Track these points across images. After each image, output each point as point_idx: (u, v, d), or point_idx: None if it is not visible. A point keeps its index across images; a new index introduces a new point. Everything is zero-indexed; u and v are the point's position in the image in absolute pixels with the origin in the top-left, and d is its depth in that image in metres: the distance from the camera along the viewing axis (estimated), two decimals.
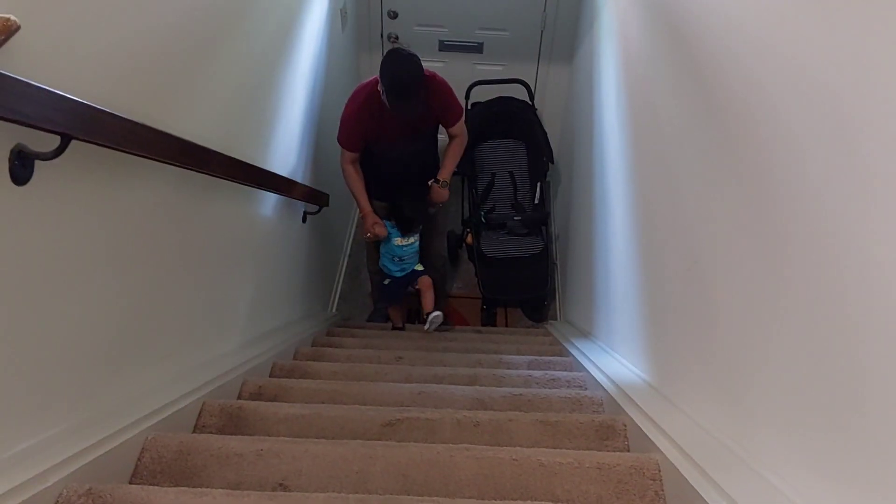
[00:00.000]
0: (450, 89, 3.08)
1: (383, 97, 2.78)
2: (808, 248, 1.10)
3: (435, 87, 2.97)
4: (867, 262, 0.93)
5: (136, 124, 1.39)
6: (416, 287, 3.54)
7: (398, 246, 3.36)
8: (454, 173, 3.41)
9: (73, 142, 1.20)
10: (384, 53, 2.94)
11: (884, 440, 0.89)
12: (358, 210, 3.43)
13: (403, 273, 3.47)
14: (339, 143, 3.10)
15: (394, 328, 3.80)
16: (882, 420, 0.90)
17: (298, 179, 3.09)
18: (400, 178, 3.29)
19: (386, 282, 3.49)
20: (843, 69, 1.01)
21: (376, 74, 2.81)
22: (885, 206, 0.88)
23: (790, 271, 1.16)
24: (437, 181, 3.25)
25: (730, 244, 1.44)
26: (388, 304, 3.59)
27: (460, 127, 3.21)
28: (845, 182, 0.99)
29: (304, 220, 3.31)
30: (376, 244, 3.53)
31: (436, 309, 3.48)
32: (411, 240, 3.40)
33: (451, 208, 4.42)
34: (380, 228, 3.22)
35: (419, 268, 3.52)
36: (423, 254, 3.63)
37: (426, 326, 3.44)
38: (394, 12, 4.71)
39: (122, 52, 1.42)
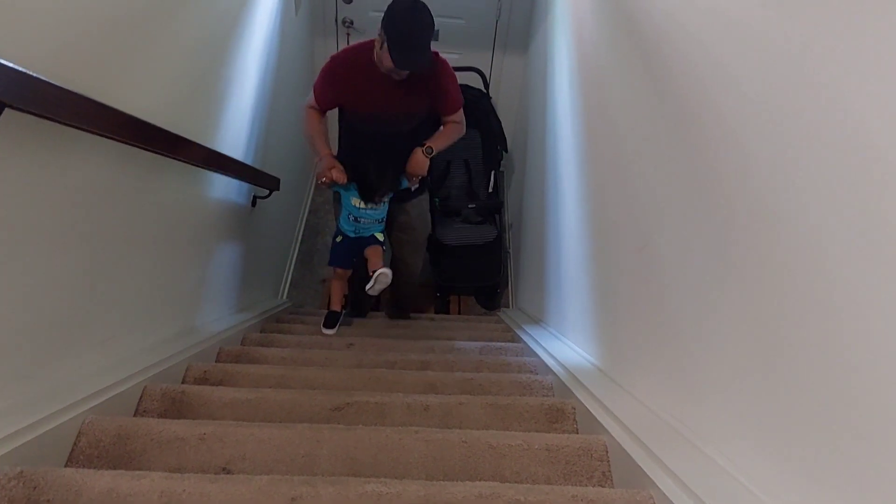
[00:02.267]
0: (454, 74, 2.77)
1: (381, 52, 2.46)
2: (752, 233, 1.11)
3: (438, 67, 2.68)
4: (805, 248, 0.95)
5: (77, 95, 1.34)
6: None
7: (356, 207, 2.89)
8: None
9: (8, 110, 1.14)
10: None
11: (819, 419, 0.91)
12: (315, 169, 3.05)
13: (357, 235, 2.97)
14: (313, 92, 2.78)
15: (328, 315, 3.11)
16: (817, 400, 0.92)
17: (249, 162, 3.02)
18: (375, 157, 2.82)
19: (338, 239, 3.01)
20: (787, 67, 1.02)
21: (332, 51, 2.61)
22: (819, 195, 0.90)
23: (735, 255, 1.18)
24: (422, 147, 2.80)
25: (678, 228, 1.46)
26: (336, 265, 3.06)
27: (460, 115, 2.87)
28: (784, 164, 1.00)
29: (253, 205, 3.24)
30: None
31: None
32: (373, 205, 2.92)
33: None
34: (338, 173, 2.73)
35: (379, 236, 2.98)
36: (394, 263, 3.27)
37: (368, 285, 2.80)
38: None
39: (65, 19, 1.36)
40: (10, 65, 1.13)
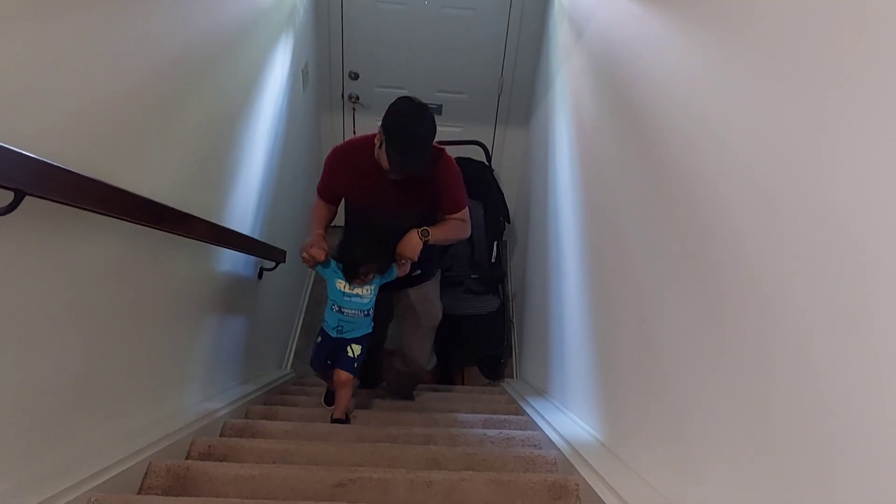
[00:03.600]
0: (458, 172, 2.64)
1: (380, 151, 2.36)
2: (743, 315, 1.15)
3: (443, 165, 2.55)
4: (793, 330, 0.98)
5: (90, 180, 1.40)
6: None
7: (340, 291, 2.62)
8: (433, 256, 2.85)
9: (27, 198, 1.20)
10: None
11: (811, 496, 0.93)
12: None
13: (339, 335, 2.68)
14: (318, 191, 2.75)
15: (327, 393, 3.07)
16: (808, 479, 0.93)
17: (255, 236, 3.09)
18: (365, 232, 2.66)
19: (318, 339, 2.76)
20: (769, 148, 1.08)
21: (349, 137, 2.57)
22: (808, 268, 0.94)
23: (728, 335, 1.21)
24: (418, 230, 2.59)
25: (674, 306, 1.49)
26: (314, 367, 2.82)
27: (464, 215, 2.70)
28: (774, 249, 1.05)
29: (259, 277, 3.29)
30: None
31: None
32: (359, 291, 2.63)
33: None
34: (317, 250, 2.52)
35: (351, 351, 2.69)
36: (397, 353, 3.05)
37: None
38: (355, 73, 4.80)
39: (80, 108, 1.43)
40: (31, 155, 1.19)
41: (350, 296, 2.63)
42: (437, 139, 2.41)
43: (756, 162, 1.14)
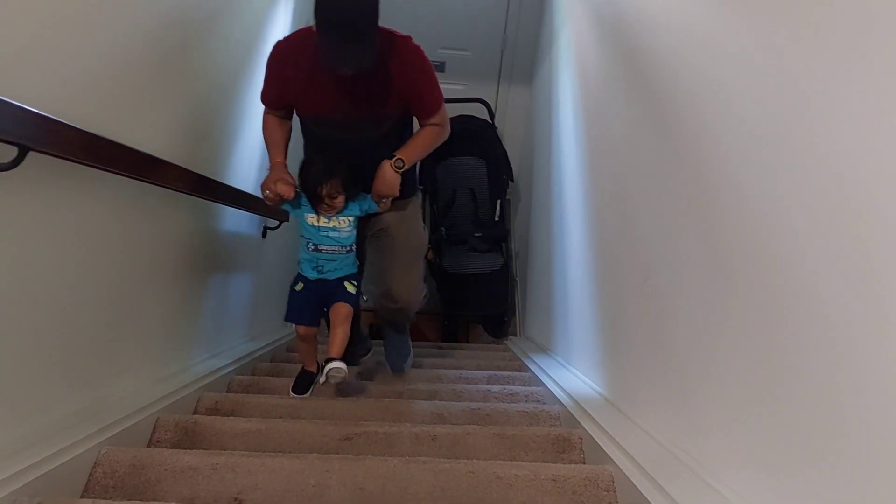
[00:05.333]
0: (428, 65, 2.12)
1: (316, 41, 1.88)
2: (750, 265, 1.15)
3: (405, 55, 2.05)
4: (803, 275, 0.98)
5: (93, 136, 1.39)
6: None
7: (313, 227, 2.22)
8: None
9: (30, 153, 1.19)
10: None
11: (819, 450, 0.94)
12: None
13: (320, 276, 2.27)
14: (260, 98, 2.25)
15: (299, 375, 2.42)
16: (817, 433, 0.94)
17: (259, 194, 3.08)
18: (326, 154, 2.20)
19: (297, 287, 2.32)
20: (774, 102, 1.07)
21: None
22: (814, 222, 0.94)
23: (735, 286, 1.21)
24: (391, 159, 2.16)
25: (680, 260, 1.49)
26: (294, 320, 2.37)
27: (441, 117, 2.22)
28: (780, 203, 1.04)
29: (263, 236, 3.29)
30: None
31: (347, 355, 2.23)
32: (335, 223, 2.23)
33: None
34: (284, 185, 2.12)
35: (350, 286, 2.29)
36: (387, 280, 2.46)
37: (321, 379, 2.14)
38: None
39: (83, 64, 1.42)
40: (34, 110, 1.19)
41: (326, 230, 2.23)
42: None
43: (760, 115, 1.12)
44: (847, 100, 0.89)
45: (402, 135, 2.25)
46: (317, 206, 2.19)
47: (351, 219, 2.26)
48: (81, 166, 1.40)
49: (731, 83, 1.27)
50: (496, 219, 4.57)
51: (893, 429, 0.79)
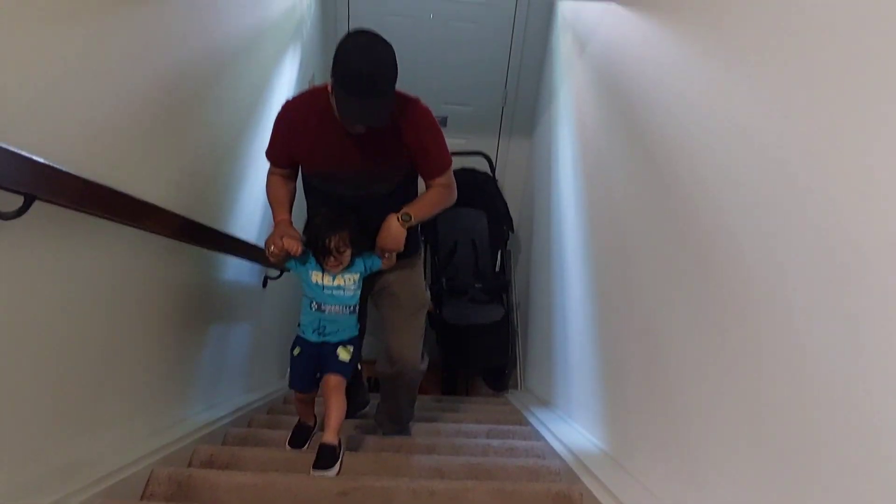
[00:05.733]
0: (437, 126, 2.15)
1: (331, 97, 1.92)
2: (747, 318, 1.15)
3: (416, 117, 2.08)
4: (799, 337, 0.98)
5: (98, 185, 1.41)
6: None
7: (316, 285, 2.15)
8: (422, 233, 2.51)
9: (37, 202, 1.21)
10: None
11: None
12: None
13: (321, 339, 2.18)
14: (266, 155, 2.23)
15: (296, 429, 2.39)
16: (820, 493, 0.93)
17: (261, 244, 3.09)
18: (331, 209, 2.17)
19: (295, 351, 2.24)
20: (767, 158, 1.09)
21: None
22: (806, 276, 0.94)
23: (733, 341, 1.21)
24: (397, 215, 2.12)
25: (679, 313, 1.49)
26: (294, 387, 2.30)
27: (448, 178, 2.21)
28: (774, 253, 1.05)
29: (264, 285, 3.29)
30: None
31: (331, 440, 2.05)
32: (340, 282, 2.16)
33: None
34: (291, 241, 2.05)
35: (345, 353, 2.18)
36: (391, 342, 2.37)
37: (313, 469, 1.97)
38: None
39: (89, 116, 1.44)
40: (40, 160, 1.21)
41: (331, 289, 2.16)
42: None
43: (757, 172, 1.14)
44: (841, 159, 0.91)
45: (407, 194, 2.23)
46: (324, 260, 2.11)
47: (356, 277, 2.18)
48: (85, 215, 1.41)
49: (724, 138, 1.29)
50: (497, 270, 4.58)
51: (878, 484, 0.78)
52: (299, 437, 2.36)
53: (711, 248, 1.32)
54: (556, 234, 3.29)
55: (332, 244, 2.06)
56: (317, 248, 2.10)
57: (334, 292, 2.15)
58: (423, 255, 2.55)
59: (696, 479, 1.36)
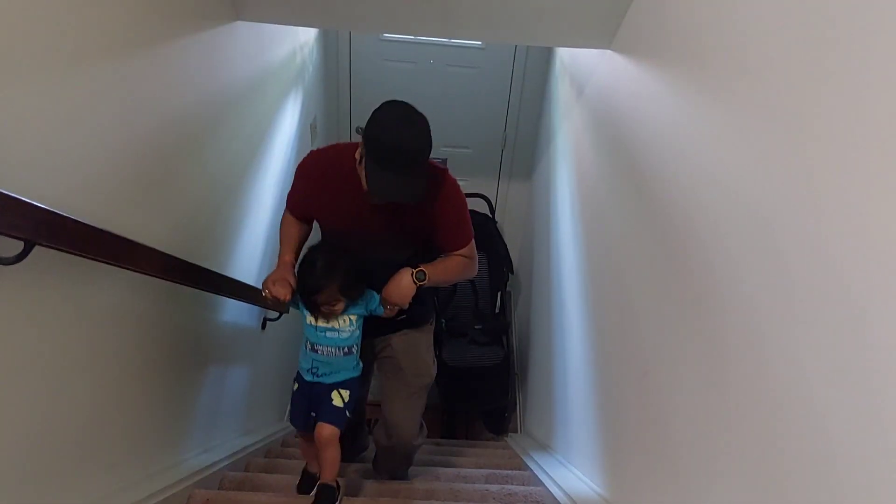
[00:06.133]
0: (463, 200, 2.08)
1: (360, 167, 1.85)
2: (745, 361, 1.15)
3: (445, 190, 2.00)
4: (800, 379, 0.98)
5: (98, 230, 1.42)
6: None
7: (310, 325, 2.06)
8: (432, 293, 2.40)
9: (37, 248, 1.22)
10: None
11: None
12: None
13: (315, 379, 2.10)
14: (286, 199, 2.20)
15: (303, 477, 2.35)
16: None
17: (260, 286, 3.10)
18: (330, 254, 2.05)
19: (294, 387, 2.20)
20: (772, 196, 1.10)
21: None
22: (807, 317, 0.95)
23: (730, 384, 1.21)
24: (412, 269, 2.01)
25: (677, 356, 1.49)
26: (293, 423, 2.27)
27: (470, 250, 2.12)
28: (772, 295, 1.06)
29: (263, 327, 3.29)
30: None
31: (329, 480, 2.10)
32: (335, 324, 2.05)
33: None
34: (282, 288, 1.97)
35: (338, 399, 2.09)
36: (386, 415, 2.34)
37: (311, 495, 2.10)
38: (363, 129, 4.87)
39: (90, 161, 1.47)
40: (40, 205, 1.22)
41: (323, 330, 2.05)
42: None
43: (755, 212, 1.16)
44: (842, 200, 0.92)
45: (417, 256, 2.10)
46: (313, 312, 2.03)
47: (353, 318, 2.07)
48: (85, 260, 1.43)
49: (721, 177, 1.31)
50: (496, 311, 4.58)
51: None
52: (306, 484, 2.30)
53: (710, 290, 1.33)
54: (555, 276, 3.30)
55: (322, 300, 1.97)
56: (306, 302, 2.02)
57: (326, 333, 2.05)
58: (434, 324, 2.42)
59: None
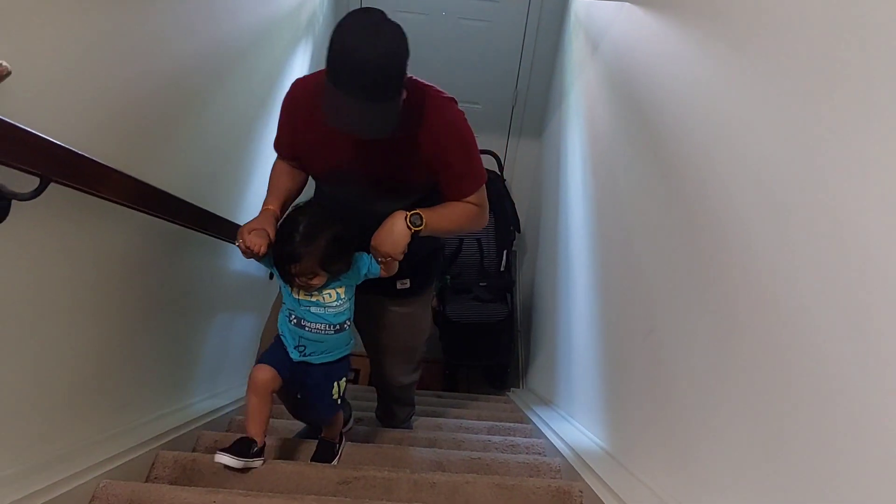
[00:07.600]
0: (466, 137, 1.75)
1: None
2: (753, 328, 1.16)
3: (439, 126, 1.69)
4: (807, 333, 0.99)
5: (111, 169, 1.43)
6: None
7: (294, 299, 1.75)
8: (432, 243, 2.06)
9: (52, 184, 1.22)
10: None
11: None
12: None
13: (302, 358, 1.79)
14: (273, 146, 1.93)
15: (235, 441, 1.80)
16: (819, 491, 0.94)
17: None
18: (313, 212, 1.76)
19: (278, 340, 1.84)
20: (781, 159, 1.09)
21: None
22: (817, 277, 0.95)
23: (737, 348, 1.22)
24: (406, 214, 1.69)
25: (684, 313, 1.50)
26: (261, 360, 1.84)
27: (480, 199, 1.82)
28: (786, 260, 1.06)
29: (271, 277, 3.30)
30: None
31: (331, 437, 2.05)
32: (321, 298, 1.74)
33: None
34: (258, 236, 1.64)
35: (335, 391, 1.86)
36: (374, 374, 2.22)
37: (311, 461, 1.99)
38: None
39: (102, 104, 1.46)
40: (57, 142, 1.22)
41: (308, 304, 1.74)
42: None
43: (768, 172, 1.15)
44: (859, 156, 0.91)
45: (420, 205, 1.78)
46: (287, 282, 1.72)
47: (340, 291, 1.76)
48: (97, 199, 1.43)
49: (737, 136, 1.30)
50: (502, 269, 4.59)
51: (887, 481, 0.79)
52: (237, 449, 1.76)
53: (719, 249, 1.33)
54: (562, 234, 3.30)
55: (296, 271, 1.66)
56: (280, 271, 1.72)
57: (311, 308, 1.74)
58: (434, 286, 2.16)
59: (698, 480, 1.37)
